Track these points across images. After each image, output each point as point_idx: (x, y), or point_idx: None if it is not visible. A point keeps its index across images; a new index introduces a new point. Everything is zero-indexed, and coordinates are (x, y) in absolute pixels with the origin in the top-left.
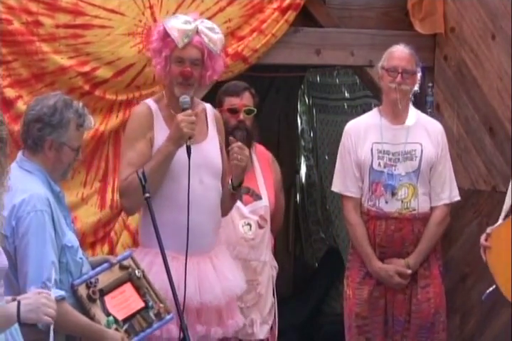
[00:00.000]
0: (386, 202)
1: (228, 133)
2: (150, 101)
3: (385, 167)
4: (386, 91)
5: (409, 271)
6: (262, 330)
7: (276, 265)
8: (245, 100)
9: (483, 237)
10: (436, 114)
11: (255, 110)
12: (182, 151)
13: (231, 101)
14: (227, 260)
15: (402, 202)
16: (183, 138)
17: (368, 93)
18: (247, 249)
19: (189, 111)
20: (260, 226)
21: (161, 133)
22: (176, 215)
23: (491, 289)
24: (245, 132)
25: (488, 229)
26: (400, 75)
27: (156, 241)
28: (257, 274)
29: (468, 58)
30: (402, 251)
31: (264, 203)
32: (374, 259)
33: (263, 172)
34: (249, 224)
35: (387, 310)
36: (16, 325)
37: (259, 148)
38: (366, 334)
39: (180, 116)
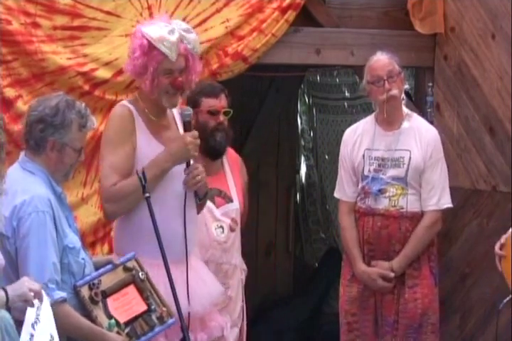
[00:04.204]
0: (375, 200)
1: (208, 135)
2: (128, 104)
3: (374, 172)
4: (379, 104)
5: (392, 274)
6: (231, 333)
7: (246, 268)
8: (223, 102)
9: (497, 246)
10: (436, 114)
11: (231, 111)
12: None
13: (209, 103)
14: (202, 264)
15: (389, 199)
16: (187, 159)
17: None
18: (220, 252)
19: (195, 133)
20: (232, 229)
21: (143, 138)
22: (162, 224)
23: (508, 298)
24: (224, 133)
25: (503, 239)
26: (386, 82)
27: (138, 249)
28: (227, 277)
29: (468, 58)
30: (390, 250)
31: (236, 206)
32: (359, 262)
33: (233, 174)
34: (221, 227)
35: (377, 310)
36: (13, 324)
37: (229, 150)
38: (355, 332)
39: (188, 138)
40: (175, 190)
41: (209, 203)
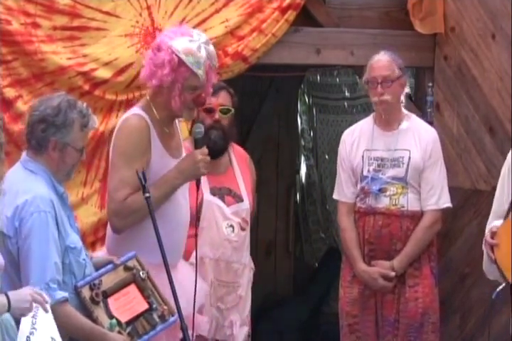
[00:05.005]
0: (375, 199)
1: (204, 133)
2: (143, 113)
3: (373, 172)
4: (374, 104)
5: (393, 274)
6: (241, 332)
7: (253, 266)
8: (221, 99)
9: (488, 235)
10: (436, 114)
11: (232, 110)
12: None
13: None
14: (187, 266)
15: (390, 198)
16: (197, 177)
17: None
18: (230, 250)
19: (205, 150)
20: (242, 229)
21: (156, 152)
22: (164, 232)
23: (500, 287)
24: (221, 132)
25: (494, 228)
26: (379, 85)
27: (137, 252)
28: (237, 276)
29: (468, 58)
30: (391, 249)
31: (246, 206)
32: (359, 262)
33: (242, 172)
34: (231, 226)
35: (377, 310)
36: (13, 324)
37: (236, 149)
38: (357, 333)
39: (199, 156)
40: (178, 202)
41: (219, 202)
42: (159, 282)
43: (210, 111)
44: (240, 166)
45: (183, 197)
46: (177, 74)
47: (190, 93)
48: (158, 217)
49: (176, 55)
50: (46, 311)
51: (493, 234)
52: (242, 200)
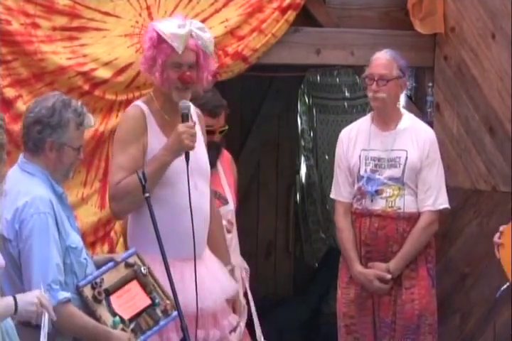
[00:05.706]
0: (371, 201)
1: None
2: (141, 104)
3: (370, 172)
4: (370, 99)
5: (389, 276)
6: (232, 335)
7: (247, 267)
8: (221, 121)
9: (496, 235)
10: (436, 114)
11: (227, 128)
12: (180, 157)
13: (207, 122)
14: (216, 261)
15: (386, 200)
16: (183, 150)
17: None
18: None
19: (190, 123)
20: (228, 231)
21: (155, 138)
22: (173, 221)
23: (505, 286)
24: (215, 150)
25: (501, 228)
26: (375, 83)
27: (148, 246)
28: None
29: (468, 58)
30: (387, 251)
31: (231, 207)
32: (355, 263)
33: (226, 174)
34: None
35: (374, 312)
36: (13, 326)
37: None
38: (354, 334)
39: (182, 127)
40: (183, 188)
41: None
42: (183, 273)
43: (210, 133)
44: (223, 168)
45: (192, 186)
46: (158, 50)
47: (175, 71)
48: (159, 203)
49: (156, 31)
50: (52, 318)
51: (501, 234)
52: (227, 202)
